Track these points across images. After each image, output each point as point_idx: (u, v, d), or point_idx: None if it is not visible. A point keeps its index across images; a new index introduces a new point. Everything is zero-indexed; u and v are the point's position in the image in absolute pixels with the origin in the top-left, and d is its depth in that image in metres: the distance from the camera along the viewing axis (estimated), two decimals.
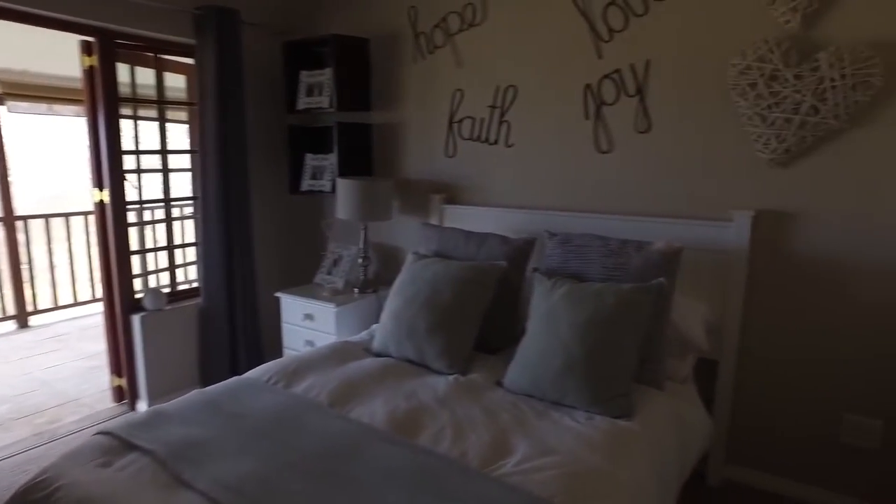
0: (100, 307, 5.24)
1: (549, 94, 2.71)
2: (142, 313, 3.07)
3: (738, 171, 2.32)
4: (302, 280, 3.66)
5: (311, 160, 3.38)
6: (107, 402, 3.29)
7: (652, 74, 2.44)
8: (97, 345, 4.39)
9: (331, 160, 3.29)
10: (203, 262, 3.23)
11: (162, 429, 1.74)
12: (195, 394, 1.99)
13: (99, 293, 5.19)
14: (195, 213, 3.53)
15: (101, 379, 3.65)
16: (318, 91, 3.22)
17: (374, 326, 2.74)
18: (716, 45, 2.29)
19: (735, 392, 2.41)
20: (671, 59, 2.39)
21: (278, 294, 3.19)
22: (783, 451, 2.38)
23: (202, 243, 3.22)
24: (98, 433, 1.74)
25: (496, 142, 2.91)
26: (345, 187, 2.98)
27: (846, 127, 2.11)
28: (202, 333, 3.30)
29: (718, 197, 2.37)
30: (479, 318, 2.28)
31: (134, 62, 3.20)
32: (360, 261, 3.17)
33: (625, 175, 2.57)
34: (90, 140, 2.98)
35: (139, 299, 3.15)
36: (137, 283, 3.20)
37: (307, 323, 3.06)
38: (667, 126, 2.44)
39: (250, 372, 2.20)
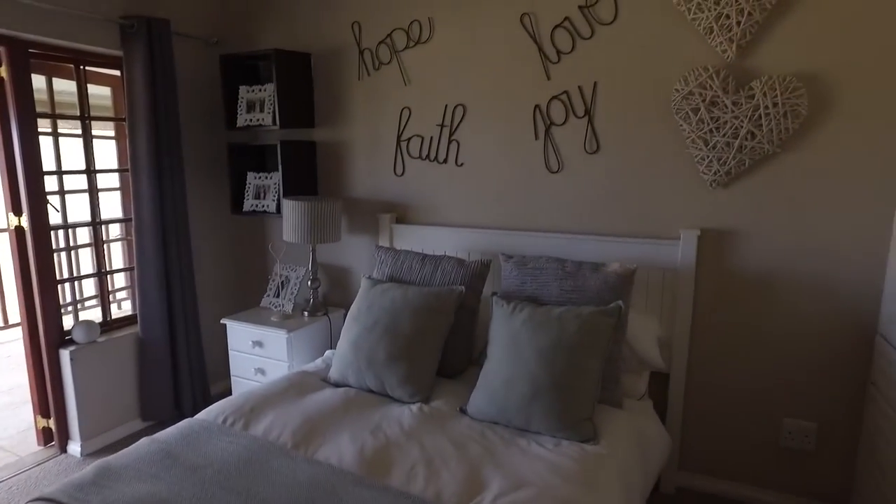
0: (12, 335, 4.84)
1: (498, 114, 2.73)
2: (71, 347, 2.85)
3: (683, 191, 2.43)
4: (248, 303, 3.52)
5: (253, 179, 3.25)
6: (31, 446, 3.03)
7: (600, 96, 2.51)
8: (12, 378, 4.04)
9: (274, 179, 3.17)
10: (139, 287, 3.03)
11: (112, 488, 1.61)
12: (145, 442, 1.86)
13: (13, 319, 4.79)
14: (126, 235, 3.31)
15: (20, 418, 3.37)
16: (259, 107, 3.09)
17: (329, 353, 2.68)
18: (660, 70, 2.38)
19: (685, 403, 2.53)
20: (618, 81, 2.46)
21: (225, 321, 3.05)
22: (731, 456, 2.52)
23: (138, 268, 3.02)
24: (36, 499, 1.59)
25: (446, 160, 2.90)
26: (291, 209, 2.88)
27: (779, 151, 2.25)
28: (141, 365, 3.10)
29: (666, 216, 2.47)
30: (440, 345, 2.26)
31: (52, 73, 2.96)
32: (309, 283, 3.08)
33: (575, 195, 2.63)
34: (3, 160, 2.72)
35: (68, 331, 2.91)
36: (64, 314, 2.96)
37: (257, 350, 2.94)
38: (615, 147, 2.52)
39: (203, 413, 2.08)
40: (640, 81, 2.42)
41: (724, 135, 2.27)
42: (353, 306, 2.45)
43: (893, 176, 2.12)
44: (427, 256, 2.55)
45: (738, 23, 2.18)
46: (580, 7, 2.48)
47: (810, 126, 2.20)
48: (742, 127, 2.24)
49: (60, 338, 2.89)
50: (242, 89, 3.13)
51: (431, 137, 2.90)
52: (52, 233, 2.85)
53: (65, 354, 2.84)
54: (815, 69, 2.16)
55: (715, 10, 2.20)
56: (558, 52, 2.55)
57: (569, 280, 2.23)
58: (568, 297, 2.20)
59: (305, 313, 3.04)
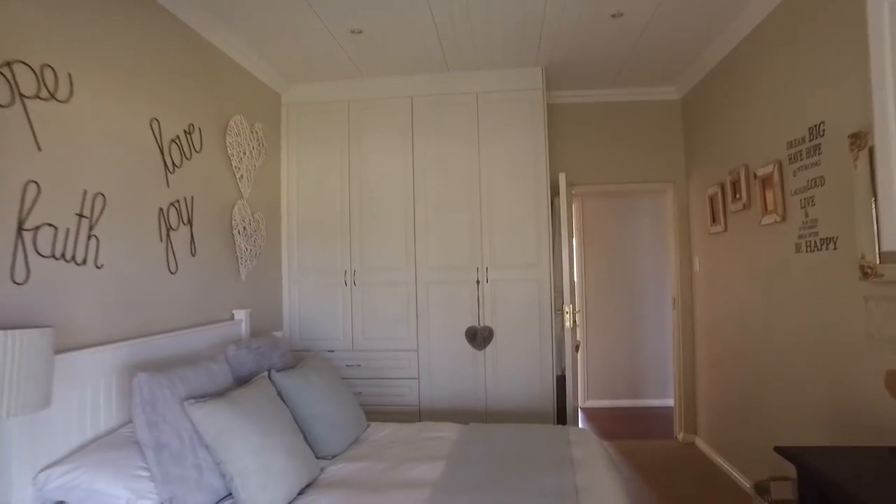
0: None
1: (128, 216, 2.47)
2: None
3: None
4: None
5: None
6: None
7: (196, 210, 2.94)
8: None
9: None
10: None
11: None
12: None
13: None
14: None
15: None
16: None
17: None
18: (221, 197, 3.19)
19: None
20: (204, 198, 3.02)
21: None
22: None
23: None
24: None
25: (85, 261, 2.18)
26: None
27: None
28: None
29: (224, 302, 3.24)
30: None
31: None
32: None
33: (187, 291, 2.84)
34: None
35: None
36: None
37: None
38: (205, 254, 3.02)
39: None
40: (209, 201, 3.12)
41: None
42: None
43: None
44: None
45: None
46: (185, 131, 2.87)
47: None
48: None
49: None
50: None
51: (68, 229, 2.10)
52: None
53: None
54: None
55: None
56: (173, 164, 2.77)
57: None
58: None
59: None
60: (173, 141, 2.80)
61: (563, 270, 3.82)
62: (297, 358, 3.17)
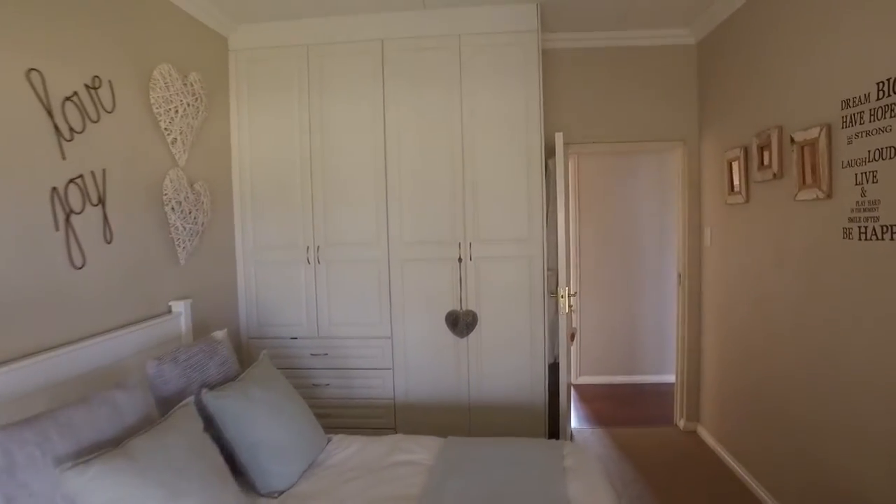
0: None
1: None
2: None
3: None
4: None
5: None
6: None
7: (109, 183, 2.37)
8: None
9: None
10: None
11: None
12: None
13: None
14: None
15: None
16: None
17: None
18: (147, 166, 2.60)
19: None
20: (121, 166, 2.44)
21: None
22: None
23: None
24: None
25: None
26: None
27: None
28: None
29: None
30: None
31: None
32: None
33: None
34: None
35: None
36: None
37: None
38: (126, 239, 2.46)
39: None
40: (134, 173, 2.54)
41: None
42: None
43: None
44: None
45: None
46: (87, 86, 2.26)
47: None
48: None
49: None
50: None
51: None
52: None
53: None
54: None
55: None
56: (70, 130, 2.17)
57: None
58: None
59: None
60: (69, 99, 2.18)
61: (559, 246, 3.31)
62: (246, 358, 2.69)
